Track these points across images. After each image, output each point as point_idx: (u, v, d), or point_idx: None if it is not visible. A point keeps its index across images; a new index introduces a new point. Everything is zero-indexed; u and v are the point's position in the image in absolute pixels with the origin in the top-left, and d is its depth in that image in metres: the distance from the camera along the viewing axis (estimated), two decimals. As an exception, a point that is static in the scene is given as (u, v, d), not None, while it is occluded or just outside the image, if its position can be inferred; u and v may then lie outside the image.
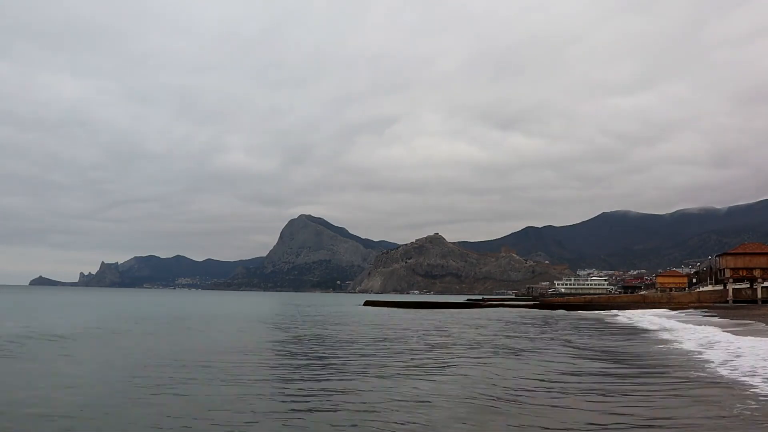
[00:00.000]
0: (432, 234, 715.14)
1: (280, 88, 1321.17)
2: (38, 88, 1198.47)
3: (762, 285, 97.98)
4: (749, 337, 29.99)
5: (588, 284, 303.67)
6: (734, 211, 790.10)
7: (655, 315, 71.05)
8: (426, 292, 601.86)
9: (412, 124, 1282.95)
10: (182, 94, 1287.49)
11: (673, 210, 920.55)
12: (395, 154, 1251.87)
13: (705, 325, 43.92)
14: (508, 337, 40.14)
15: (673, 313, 76.45)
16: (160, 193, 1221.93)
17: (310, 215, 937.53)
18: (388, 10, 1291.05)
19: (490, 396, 16.77)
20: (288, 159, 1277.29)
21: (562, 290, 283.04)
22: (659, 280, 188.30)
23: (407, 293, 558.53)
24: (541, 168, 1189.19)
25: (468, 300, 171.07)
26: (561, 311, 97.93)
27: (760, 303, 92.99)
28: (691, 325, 45.06)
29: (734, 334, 33.09)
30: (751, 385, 17.37)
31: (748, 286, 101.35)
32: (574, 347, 32.13)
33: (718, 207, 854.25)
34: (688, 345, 30.79)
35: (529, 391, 17.68)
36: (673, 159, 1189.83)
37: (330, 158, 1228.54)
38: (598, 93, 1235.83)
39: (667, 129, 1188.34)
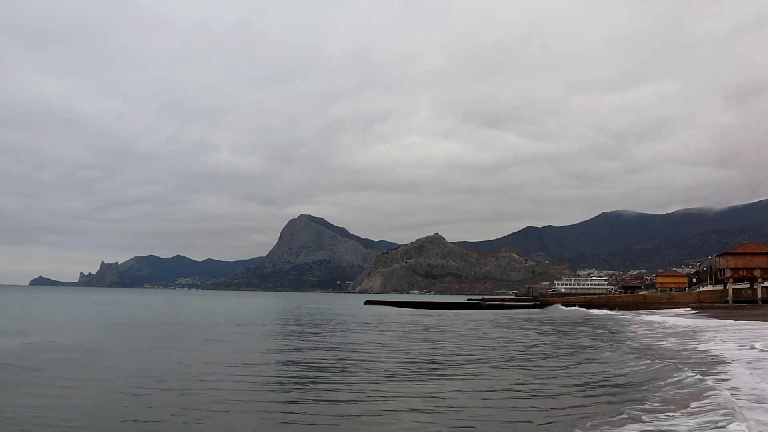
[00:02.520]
0: (432, 234, 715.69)
1: (264, 85, 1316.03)
2: (19, 86, 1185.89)
3: (762, 285, 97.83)
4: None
5: (588, 284, 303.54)
6: (734, 211, 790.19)
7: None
8: (426, 292, 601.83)
9: (405, 122, 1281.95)
10: (166, 91, 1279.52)
11: (673, 210, 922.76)
12: (393, 154, 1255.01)
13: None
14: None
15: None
16: (153, 192, 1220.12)
17: (310, 215, 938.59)
18: (371, 4, 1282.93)
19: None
20: (281, 158, 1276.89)
21: (562, 290, 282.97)
22: (659, 280, 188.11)
23: (407, 293, 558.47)
24: (539, 167, 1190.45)
25: (468, 300, 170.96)
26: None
27: (760, 303, 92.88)
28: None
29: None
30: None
31: (748, 286, 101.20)
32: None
33: (718, 207, 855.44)
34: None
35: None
36: (673, 158, 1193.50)
37: (326, 157, 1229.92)
38: (591, 89, 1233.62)
39: (666, 127, 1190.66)
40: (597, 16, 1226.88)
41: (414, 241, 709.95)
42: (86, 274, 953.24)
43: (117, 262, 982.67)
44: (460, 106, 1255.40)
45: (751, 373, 18.01)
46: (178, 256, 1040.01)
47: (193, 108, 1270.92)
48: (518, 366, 24.15)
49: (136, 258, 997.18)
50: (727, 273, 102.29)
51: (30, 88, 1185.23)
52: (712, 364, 21.29)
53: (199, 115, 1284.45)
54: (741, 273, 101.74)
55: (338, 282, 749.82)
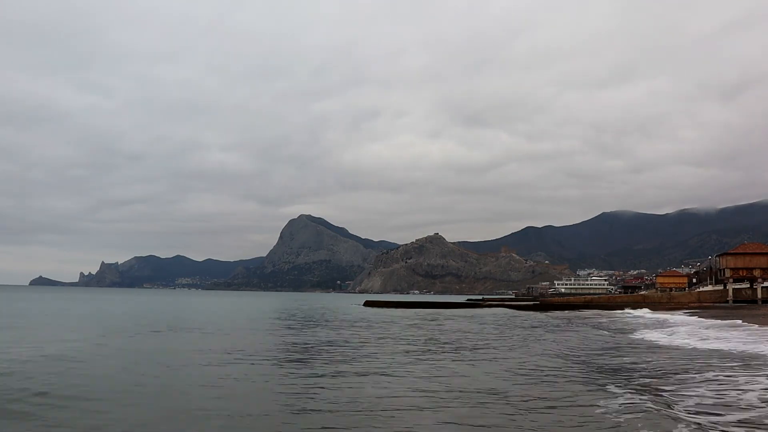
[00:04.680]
0: (432, 234, 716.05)
1: (250, 81, 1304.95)
2: (1, 84, 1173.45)
3: (762, 285, 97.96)
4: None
5: (588, 284, 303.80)
6: (735, 211, 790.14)
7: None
8: (426, 292, 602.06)
9: (396, 120, 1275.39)
10: (150, 88, 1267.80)
11: (673, 210, 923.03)
12: (389, 153, 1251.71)
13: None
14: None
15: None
16: (149, 192, 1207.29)
17: (310, 215, 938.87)
18: None
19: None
20: (276, 157, 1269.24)
21: (562, 290, 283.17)
22: (659, 280, 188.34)
23: (407, 293, 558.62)
24: (535, 166, 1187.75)
25: (468, 300, 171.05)
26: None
27: (760, 303, 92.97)
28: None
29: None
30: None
31: (748, 286, 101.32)
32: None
33: (719, 207, 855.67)
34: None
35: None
36: (673, 158, 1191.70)
37: (322, 157, 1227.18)
38: (584, 86, 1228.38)
39: (664, 126, 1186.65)
40: (585, 10, 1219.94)
41: (414, 241, 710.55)
42: (86, 274, 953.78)
43: (117, 262, 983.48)
44: (451, 103, 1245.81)
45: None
46: (178, 256, 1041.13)
47: (180, 105, 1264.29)
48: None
49: (136, 258, 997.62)
50: (727, 273, 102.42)
51: (11, 85, 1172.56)
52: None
53: (186, 112, 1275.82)
54: (741, 273, 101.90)
55: (338, 282, 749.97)
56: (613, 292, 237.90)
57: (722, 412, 14.05)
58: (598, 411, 14.53)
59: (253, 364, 23.59)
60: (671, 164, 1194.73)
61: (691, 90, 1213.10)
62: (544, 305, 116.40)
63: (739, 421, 13.17)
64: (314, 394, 17.02)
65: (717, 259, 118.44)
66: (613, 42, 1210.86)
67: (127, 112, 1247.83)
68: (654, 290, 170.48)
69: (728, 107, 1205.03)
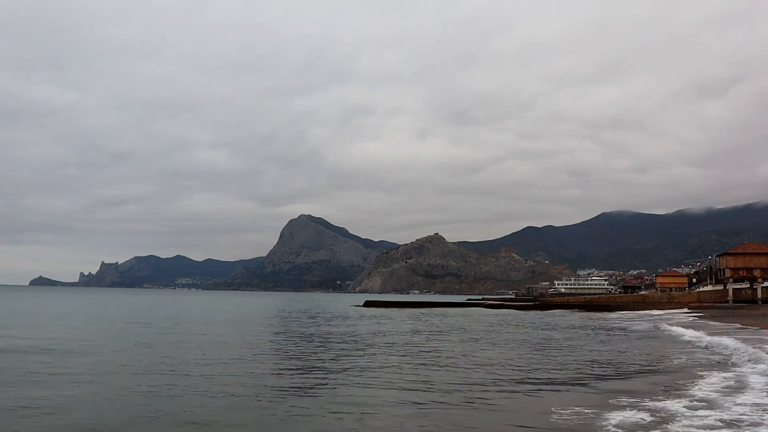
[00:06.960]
0: (432, 234, 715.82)
1: (236, 77, 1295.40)
2: None
3: (762, 285, 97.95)
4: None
5: (588, 284, 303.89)
6: (734, 211, 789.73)
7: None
8: (426, 292, 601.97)
9: (391, 119, 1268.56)
10: (135, 86, 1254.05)
11: (673, 210, 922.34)
12: (389, 152, 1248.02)
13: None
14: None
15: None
16: (147, 192, 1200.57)
17: (310, 215, 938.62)
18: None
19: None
20: (272, 157, 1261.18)
21: (562, 290, 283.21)
22: (659, 280, 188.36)
23: (407, 293, 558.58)
24: (534, 166, 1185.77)
25: (468, 300, 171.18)
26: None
27: (760, 303, 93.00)
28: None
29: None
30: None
31: (748, 286, 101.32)
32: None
33: (718, 207, 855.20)
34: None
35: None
36: (673, 158, 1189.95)
37: (320, 156, 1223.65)
38: (579, 85, 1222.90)
39: (664, 126, 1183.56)
40: (574, 7, 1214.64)
41: (414, 241, 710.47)
42: (86, 274, 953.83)
43: (117, 262, 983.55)
44: (439, 100, 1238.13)
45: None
46: (178, 256, 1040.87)
47: (162, 102, 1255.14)
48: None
49: (136, 258, 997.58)
50: (727, 273, 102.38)
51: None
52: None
53: (170, 109, 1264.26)
54: (741, 273, 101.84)
55: (338, 282, 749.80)
56: (613, 292, 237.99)
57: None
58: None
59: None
60: (671, 164, 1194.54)
61: (687, 88, 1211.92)
62: (542, 305, 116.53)
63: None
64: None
65: (717, 259, 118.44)
66: (601, 37, 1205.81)
67: (110, 110, 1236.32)
68: (654, 290, 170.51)
69: (724, 105, 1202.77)
